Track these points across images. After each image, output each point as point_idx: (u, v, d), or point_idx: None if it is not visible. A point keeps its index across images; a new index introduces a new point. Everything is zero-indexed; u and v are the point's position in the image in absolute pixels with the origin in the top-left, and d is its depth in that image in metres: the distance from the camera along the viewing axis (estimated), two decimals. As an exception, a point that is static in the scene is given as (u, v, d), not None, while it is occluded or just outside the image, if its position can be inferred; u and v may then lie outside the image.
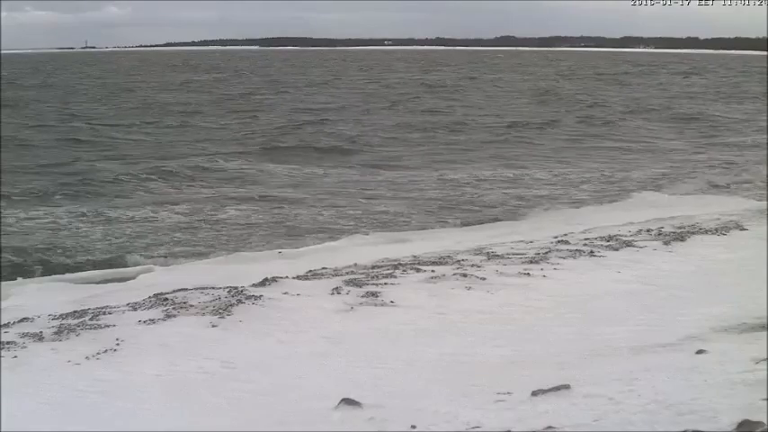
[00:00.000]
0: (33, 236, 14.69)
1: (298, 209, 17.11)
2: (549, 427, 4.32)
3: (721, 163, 23.49)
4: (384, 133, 30.56)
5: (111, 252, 13.61)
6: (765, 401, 4.15)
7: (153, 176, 20.94)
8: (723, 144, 28.27)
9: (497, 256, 10.30)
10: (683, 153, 26.11)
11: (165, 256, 13.22)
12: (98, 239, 14.43)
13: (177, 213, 16.66)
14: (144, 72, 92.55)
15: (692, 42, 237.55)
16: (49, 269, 12.45)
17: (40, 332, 7.28)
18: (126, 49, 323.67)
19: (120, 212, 16.68)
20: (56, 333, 7.24)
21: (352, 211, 16.89)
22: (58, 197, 18.30)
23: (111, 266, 12.68)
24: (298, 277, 9.20)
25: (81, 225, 15.63)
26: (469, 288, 8.53)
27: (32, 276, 12.06)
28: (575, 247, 10.55)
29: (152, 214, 16.55)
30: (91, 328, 7.31)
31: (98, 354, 6.61)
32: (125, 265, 12.67)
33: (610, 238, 11.12)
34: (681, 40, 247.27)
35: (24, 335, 7.21)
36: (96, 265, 12.72)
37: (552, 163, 23.95)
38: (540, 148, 27.16)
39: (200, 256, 13.26)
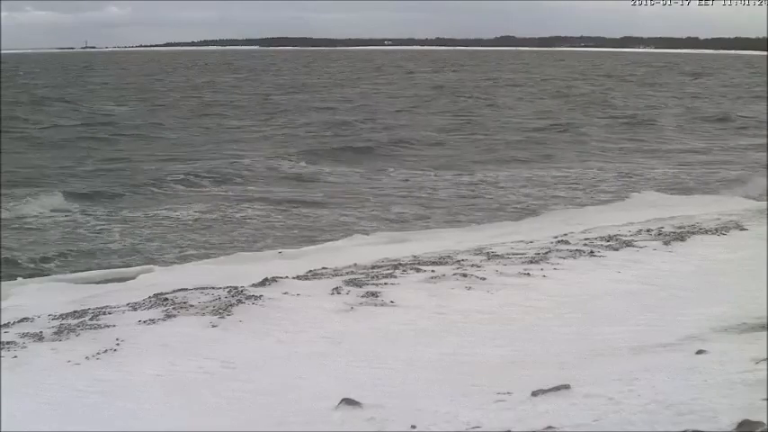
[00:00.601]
0: (51, 235, 14.79)
1: (320, 210, 17.16)
2: (549, 427, 4.32)
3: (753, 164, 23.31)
4: (407, 134, 30.42)
5: (125, 253, 13.62)
6: (765, 401, 4.15)
7: (177, 177, 20.94)
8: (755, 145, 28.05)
9: (497, 256, 10.29)
10: (706, 154, 26.05)
11: (177, 258, 13.23)
12: (113, 240, 14.48)
13: (197, 212, 16.80)
14: (156, 72, 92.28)
15: (692, 42, 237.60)
16: (60, 268, 12.49)
17: (40, 332, 7.28)
18: (126, 49, 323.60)
19: (139, 213, 16.80)
20: (56, 333, 7.24)
21: (374, 212, 16.93)
22: (79, 196, 18.36)
23: (114, 266, 12.72)
24: (298, 277, 9.20)
25: (98, 224, 15.74)
26: (469, 288, 8.52)
27: (41, 275, 12.08)
28: (575, 247, 10.54)
29: (172, 214, 16.65)
30: (91, 328, 7.31)
31: (98, 354, 6.61)
32: (129, 265, 12.69)
33: (610, 238, 11.11)
34: (681, 40, 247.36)
35: (24, 335, 7.21)
36: (103, 266, 12.76)
37: (576, 163, 23.93)
38: (568, 149, 26.96)
39: (212, 257, 13.26)
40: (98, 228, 15.52)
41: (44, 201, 17.62)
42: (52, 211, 16.81)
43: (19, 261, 12.96)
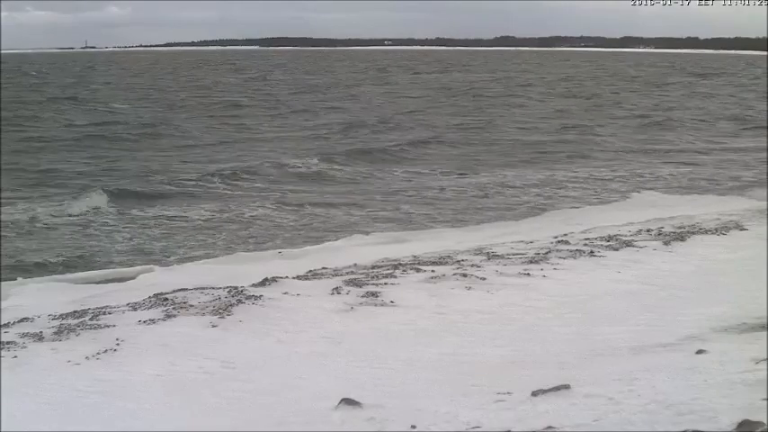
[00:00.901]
0: (60, 235, 14.81)
1: (331, 210, 17.11)
2: (549, 427, 4.32)
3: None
4: (421, 135, 30.11)
5: (131, 252, 13.63)
6: (765, 401, 4.16)
7: (190, 176, 20.86)
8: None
9: (497, 256, 10.30)
10: (721, 153, 25.85)
11: (183, 258, 13.21)
12: (121, 240, 14.49)
13: (207, 212, 16.79)
14: (164, 72, 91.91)
15: (692, 42, 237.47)
16: (66, 268, 12.50)
17: (40, 332, 7.28)
18: (126, 49, 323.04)
19: (150, 212, 16.79)
20: (56, 333, 7.25)
21: (385, 213, 16.92)
22: (93, 196, 18.29)
23: (117, 266, 12.73)
24: (298, 277, 9.20)
25: (108, 223, 15.77)
26: (469, 288, 8.53)
27: (46, 275, 12.08)
28: (575, 247, 10.55)
29: (181, 214, 16.65)
30: (91, 328, 7.32)
31: (98, 354, 6.61)
32: (132, 265, 12.69)
33: (610, 238, 11.12)
34: (681, 40, 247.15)
35: (24, 335, 7.22)
36: (105, 266, 12.76)
37: (589, 164, 23.74)
38: (581, 150, 26.59)
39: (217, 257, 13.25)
40: (108, 227, 15.52)
41: (59, 200, 17.71)
42: (65, 210, 16.81)
43: (26, 261, 12.96)
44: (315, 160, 23.59)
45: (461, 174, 22.01)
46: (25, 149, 26.22)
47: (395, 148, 26.54)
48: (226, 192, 19.31)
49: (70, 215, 16.38)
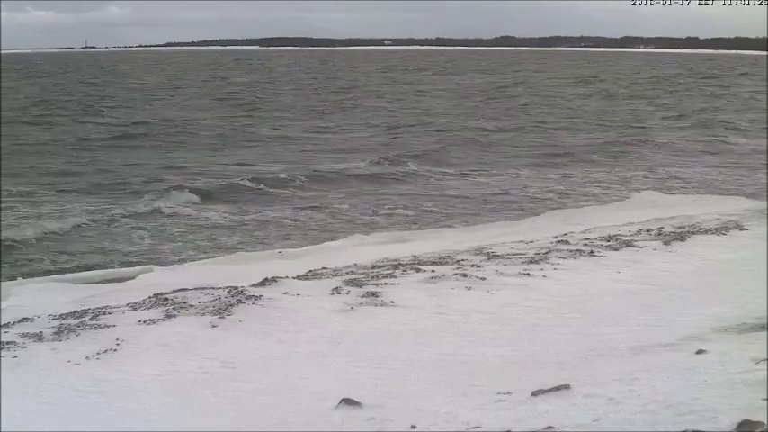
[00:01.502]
0: (78, 234, 14.89)
1: (351, 212, 17.13)
2: (549, 427, 4.32)
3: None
4: (448, 137, 29.95)
5: (140, 253, 13.66)
6: (765, 401, 4.16)
7: (215, 178, 20.87)
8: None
9: (497, 256, 10.29)
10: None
11: (190, 259, 13.22)
12: (136, 241, 14.53)
13: (226, 213, 16.85)
14: (176, 73, 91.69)
15: (692, 42, 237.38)
16: (75, 268, 12.54)
17: (40, 332, 7.28)
18: (126, 49, 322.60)
19: (169, 212, 16.84)
20: (56, 333, 7.24)
21: (405, 212, 17.01)
22: (118, 195, 18.42)
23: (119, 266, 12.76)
24: (298, 277, 9.20)
25: (129, 223, 15.84)
26: (469, 288, 8.53)
27: (44, 275, 12.10)
28: (575, 247, 10.54)
29: (202, 214, 16.71)
30: (91, 328, 7.32)
31: (98, 354, 6.61)
32: (129, 265, 12.70)
33: (610, 238, 11.12)
34: (681, 40, 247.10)
35: (24, 335, 7.22)
36: (105, 266, 12.78)
37: (612, 165, 23.61)
38: (610, 151, 26.28)
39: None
40: (128, 226, 15.59)
41: (84, 198, 17.80)
42: (87, 209, 16.87)
43: (39, 261, 13.01)
44: (339, 161, 23.63)
45: (484, 173, 22.13)
46: (40, 151, 26.32)
47: (420, 149, 26.56)
48: (250, 192, 19.35)
49: (90, 215, 16.43)
